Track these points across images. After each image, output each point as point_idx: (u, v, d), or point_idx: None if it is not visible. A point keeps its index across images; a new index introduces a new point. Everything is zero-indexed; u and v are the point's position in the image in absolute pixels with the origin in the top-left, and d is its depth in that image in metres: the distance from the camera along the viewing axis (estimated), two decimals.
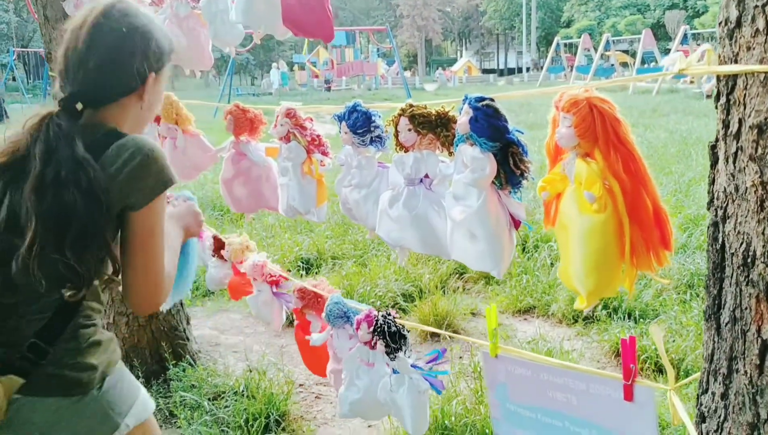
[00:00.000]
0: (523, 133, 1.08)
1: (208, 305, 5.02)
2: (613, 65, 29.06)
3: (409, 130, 1.22)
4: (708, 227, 0.86)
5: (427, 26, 61.23)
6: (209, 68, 2.18)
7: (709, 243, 0.86)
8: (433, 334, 4.26)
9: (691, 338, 3.86)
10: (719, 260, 0.82)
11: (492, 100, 1.05)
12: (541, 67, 41.18)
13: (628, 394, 1.00)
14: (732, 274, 0.79)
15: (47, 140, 1.20)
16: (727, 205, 0.79)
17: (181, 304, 3.89)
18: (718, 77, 0.82)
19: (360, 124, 1.35)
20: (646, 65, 28.47)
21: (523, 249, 5.12)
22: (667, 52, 26.00)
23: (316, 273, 5.32)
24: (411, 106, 1.22)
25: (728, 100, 0.80)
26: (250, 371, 3.76)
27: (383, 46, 34.51)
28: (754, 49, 0.73)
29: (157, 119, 2.43)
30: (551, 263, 4.73)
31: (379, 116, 1.37)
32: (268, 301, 2.31)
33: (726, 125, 0.80)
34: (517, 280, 4.81)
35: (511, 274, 4.83)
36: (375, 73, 34.24)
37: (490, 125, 1.04)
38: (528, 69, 50.06)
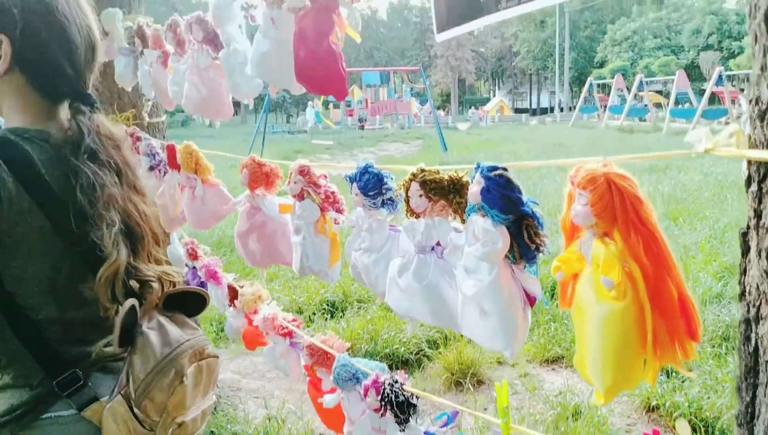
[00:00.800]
0: (538, 205, 1.01)
1: (231, 347, 4.99)
2: (646, 105, 28.83)
3: (421, 195, 1.16)
4: (739, 324, 0.78)
5: (461, 66, 61.76)
6: (229, 118, 2.17)
7: (741, 341, 0.78)
8: (458, 383, 4.15)
9: (727, 395, 3.68)
10: (752, 364, 0.74)
11: (505, 169, 0.99)
12: (574, 107, 41.05)
13: None
14: (767, 382, 0.71)
15: None
16: (761, 304, 0.71)
17: None
18: (748, 161, 0.75)
19: (371, 186, 1.30)
20: (680, 106, 28.16)
21: (552, 295, 5.00)
22: (701, 92, 25.71)
23: (341, 316, 5.26)
24: (422, 171, 1.16)
25: (760, 189, 0.73)
26: (270, 419, 3.69)
27: (416, 86, 34.81)
28: None
29: (178, 167, 2.42)
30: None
31: (392, 178, 1.31)
32: (285, 353, 2.25)
33: (758, 215, 0.73)
34: (545, 329, 4.70)
35: (539, 322, 4.71)
36: (408, 112, 34.55)
37: (502, 196, 0.98)
38: (561, 109, 49.99)
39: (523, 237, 1.00)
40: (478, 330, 1.06)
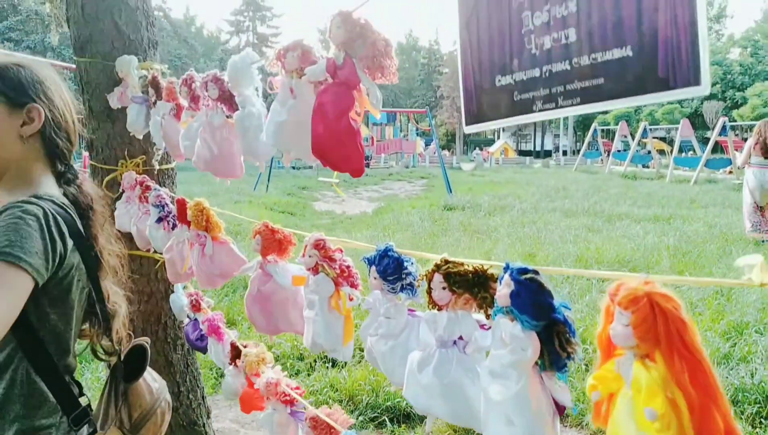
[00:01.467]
0: (569, 310, 0.96)
1: None
2: (650, 152, 28.93)
3: (444, 288, 1.11)
4: None
5: None
6: (240, 178, 2.14)
7: None
8: None
9: None
10: None
11: (536, 273, 0.95)
12: (577, 151, 41.23)
13: None
14: None
15: None
16: None
17: (202, 397, 3.77)
18: None
19: (391, 270, 1.26)
20: (683, 154, 28.29)
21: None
22: (705, 141, 25.82)
23: (343, 366, 5.16)
24: (446, 262, 1.12)
25: None
26: None
27: (422, 127, 35.08)
28: None
29: (188, 223, 2.39)
30: (585, 367, 4.50)
31: (412, 263, 1.27)
32: (284, 421, 2.18)
33: None
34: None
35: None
36: (413, 152, 34.73)
37: (533, 302, 0.93)
38: (564, 152, 50.19)
39: (554, 344, 0.95)
40: None
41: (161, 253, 2.90)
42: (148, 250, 3.12)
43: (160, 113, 2.64)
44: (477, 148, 49.15)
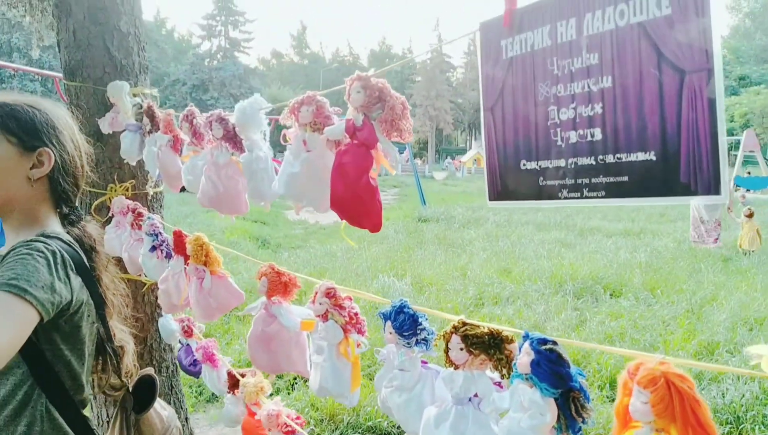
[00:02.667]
0: (584, 377, 1.04)
1: (211, 412, 4.92)
2: None
3: (461, 349, 1.18)
4: None
5: (439, 116, 62.72)
6: (244, 214, 2.18)
7: None
8: None
9: None
10: None
11: (555, 343, 1.02)
12: None
13: None
14: None
15: None
16: None
17: (186, 418, 3.79)
18: None
19: (407, 326, 1.32)
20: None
21: None
22: None
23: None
24: (464, 324, 1.18)
25: None
26: None
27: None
28: None
29: (185, 255, 2.42)
30: None
31: (426, 318, 1.33)
32: None
33: None
34: None
35: None
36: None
37: (553, 372, 1.00)
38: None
39: (570, 409, 1.02)
40: None
41: (153, 281, 2.92)
42: (138, 275, 3.13)
43: (156, 144, 2.67)
44: (448, 157, 49.47)
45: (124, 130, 3.06)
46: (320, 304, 1.58)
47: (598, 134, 0.95)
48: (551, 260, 9.41)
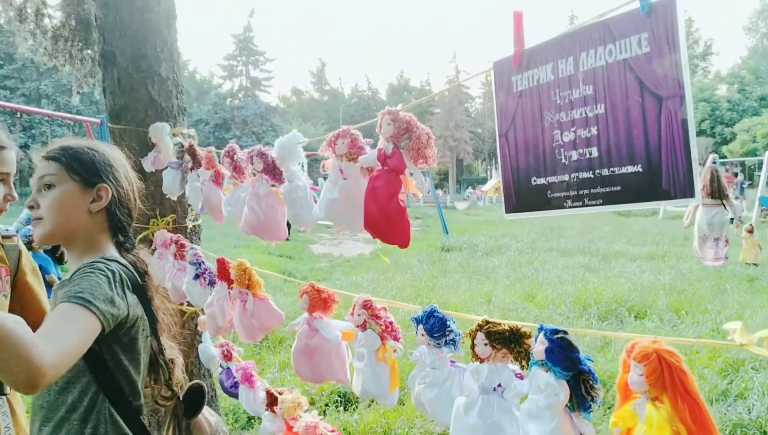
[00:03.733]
0: (593, 361, 1.21)
1: None
2: None
3: (486, 344, 1.35)
4: None
5: (459, 146, 63.11)
6: (283, 240, 2.38)
7: None
8: None
9: None
10: None
11: (566, 332, 1.19)
12: None
13: None
14: None
15: None
16: None
17: None
18: None
19: (437, 329, 1.50)
20: None
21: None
22: None
23: (354, 409, 5.33)
24: (487, 322, 1.36)
25: None
26: None
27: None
28: None
29: (228, 280, 2.62)
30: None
31: (454, 322, 1.51)
32: None
33: None
34: None
35: None
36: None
37: (564, 357, 1.17)
38: None
39: (581, 390, 1.19)
40: None
41: (197, 307, 3.13)
42: (181, 304, 3.34)
43: (200, 179, 2.90)
44: (469, 187, 49.60)
45: (165, 168, 3.29)
46: (359, 315, 1.77)
47: (594, 152, 1.14)
48: (575, 285, 9.47)
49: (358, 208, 1.73)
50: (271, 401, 2.74)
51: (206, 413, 2.04)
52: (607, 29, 1.09)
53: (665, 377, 1.03)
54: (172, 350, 1.96)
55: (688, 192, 0.99)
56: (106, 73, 3.57)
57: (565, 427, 1.20)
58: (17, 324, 1.22)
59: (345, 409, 5.39)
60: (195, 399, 1.98)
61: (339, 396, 5.56)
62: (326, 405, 5.47)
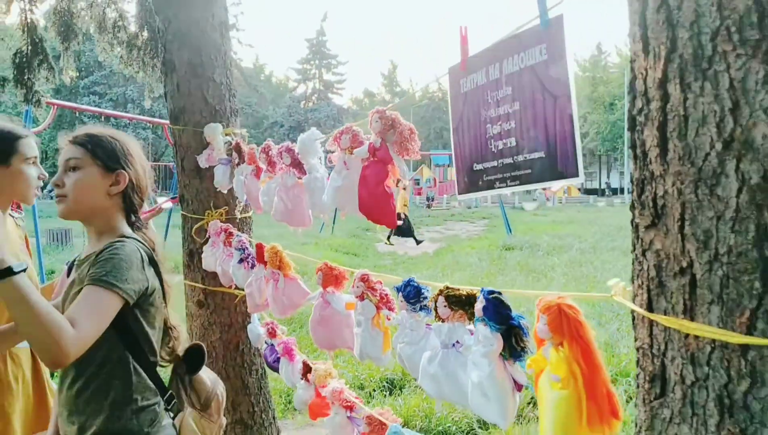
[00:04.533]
0: (524, 319, 1.44)
1: (298, 419, 5.38)
2: None
3: (445, 306, 1.60)
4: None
5: None
6: (308, 227, 2.68)
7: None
8: None
9: None
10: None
11: (500, 293, 1.43)
12: None
13: None
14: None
15: None
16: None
17: (273, 417, 4.29)
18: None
19: (412, 295, 1.76)
20: None
21: None
22: None
23: (399, 393, 5.60)
24: (447, 287, 1.61)
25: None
26: None
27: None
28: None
29: (265, 263, 2.95)
30: (626, 400, 4.84)
31: (428, 290, 1.76)
32: (343, 423, 2.66)
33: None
34: None
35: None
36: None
37: (497, 313, 1.41)
38: (630, 190, 49.36)
39: (512, 341, 1.43)
40: (481, 408, 1.47)
41: (242, 289, 3.47)
42: (230, 287, 3.70)
43: (243, 173, 3.24)
44: (539, 188, 48.93)
45: (217, 165, 3.66)
46: (357, 287, 2.04)
47: (513, 142, 1.38)
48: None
49: (356, 198, 2.00)
50: (306, 371, 3.04)
51: (206, 371, 2.28)
52: (519, 40, 1.32)
53: (564, 326, 1.26)
54: (175, 318, 2.18)
55: (575, 173, 1.22)
56: (167, 79, 3.97)
57: (499, 372, 1.44)
58: (51, 309, 1.49)
59: (390, 394, 5.67)
60: (196, 358, 2.22)
61: (386, 382, 5.85)
62: (373, 390, 5.77)
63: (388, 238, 18.32)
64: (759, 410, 0.83)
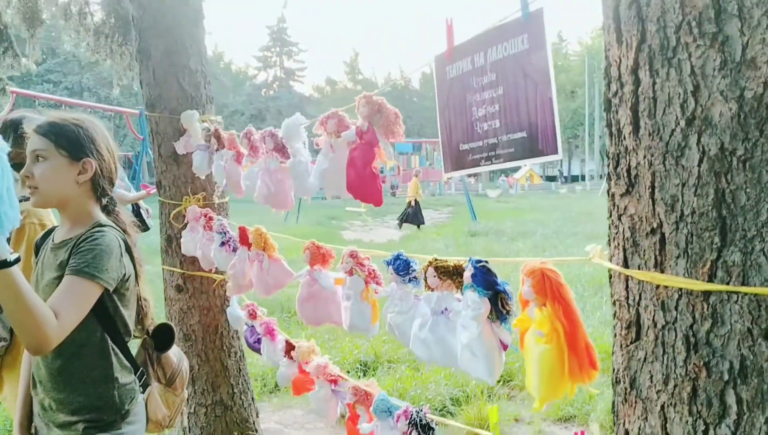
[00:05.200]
0: (508, 285, 1.58)
1: (273, 401, 5.49)
2: None
3: (434, 276, 1.74)
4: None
5: None
6: (290, 209, 2.79)
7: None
8: None
9: None
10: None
11: (486, 262, 1.57)
12: (603, 175, 41.37)
13: None
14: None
15: None
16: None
17: (252, 398, 4.39)
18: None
19: (402, 268, 1.89)
20: None
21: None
22: None
23: (373, 375, 5.76)
24: (436, 259, 1.75)
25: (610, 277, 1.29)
26: None
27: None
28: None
29: (248, 245, 3.05)
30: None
31: (416, 263, 1.90)
32: (327, 397, 2.80)
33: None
34: None
35: None
36: (439, 180, 35.22)
37: (485, 279, 1.56)
38: (591, 177, 50.40)
39: (498, 305, 1.57)
40: (470, 366, 1.62)
41: (221, 273, 3.56)
42: (210, 271, 3.78)
43: (223, 158, 3.33)
44: (502, 175, 49.56)
45: (195, 151, 3.73)
46: (346, 263, 2.17)
47: (497, 123, 1.52)
48: (593, 266, 9.73)
49: (344, 177, 2.12)
50: (289, 349, 3.15)
51: (174, 349, 2.38)
52: (503, 31, 1.46)
53: (546, 287, 1.41)
54: (147, 294, 2.20)
55: (555, 151, 1.37)
56: (142, 66, 4.01)
57: (487, 334, 1.58)
58: (38, 300, 1.57)
59: (364, 375, 5.81)
60: (165, 337, 2.31)
61: (360, 364, 6.00)
62: (347, 371, 5.90)
63: (400, 223, 18.91)
64: (720, 346, 0.99)
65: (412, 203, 18.72)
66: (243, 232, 3.08)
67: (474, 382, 5.21)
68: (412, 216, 18.53)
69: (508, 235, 14.87)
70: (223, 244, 3.39)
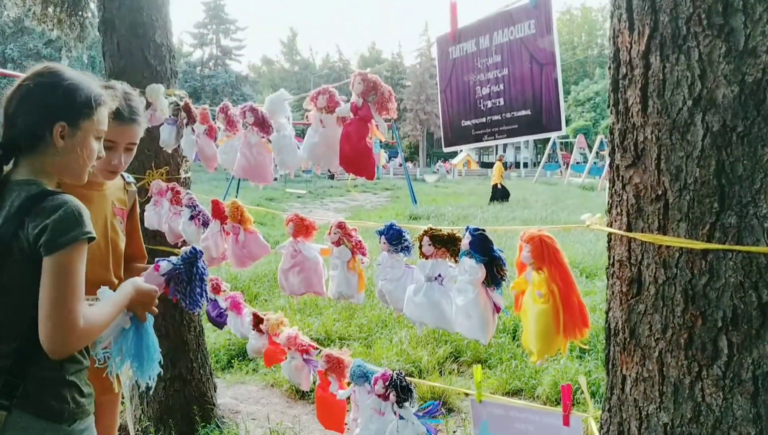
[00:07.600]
0: (503, 252, 1.71)
1: (227, 377, 5.53)
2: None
3: (429, 244, 1.85)
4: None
5: (430, 120, 63.47)
6: (270, 183, 2.84)
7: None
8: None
9: None
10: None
11: (483, 230, 1.69)
12: (538, 163, 42.52)
13: (566, 422, 1.60)
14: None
15: None
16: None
17: (210, 372, 4.43)
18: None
19: (394, 237, 1.99)
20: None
21: (513, 337, 5.69)
22: None
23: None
24: (431, 229, 1.86)
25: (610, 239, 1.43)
26: (271, 433, 4.26)
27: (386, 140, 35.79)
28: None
29: (222, 218, 3.08)
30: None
31: (408, 232, 2.01)
32: (299, 366, 2.88)
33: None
34: (507, 365, 5.34)
35: (501, 359, 5.38)
36: (377, 164, 35.28)
37: (481, 246, 1.68)
38: (526, 165, 51.62)
39: (493, 271, 1.70)
40: (464, 327, 1.74)
41: (192, 244, 3.57)
42: (175, 245, 3.78)
43: (195, 132, 3.33)
44: (440, 161, 50.18)
45: (161, 124, 3.71)
46: (334, 233, 2.25)
47: (501, 102, 1.65)
48: (570, 250, 10.09)
49: (334, 151, 2.21)
50: (257, 322, 3.21)
51: None
52: (510, 16, 1.58)
53: (544, 252, 1.54)
54: None
55: (559, 127, 1.50)
56: (106, 38, 3.94)
57: (482, 297, 1.71)
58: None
59: (319, 353, 5.90)
60: None
61: (313, 340, 6.08)
62: None
63: (490, 201, 20.60)
64: (715, 297, 1.14)
65: (499, 186, 21.64)
66: (216, 205, 3.11)
67: (426, 358, 5.39)
68: (502, 195, 21.53)
69: (449, 218, 15.16)
70: (192, 217, 3.40)
